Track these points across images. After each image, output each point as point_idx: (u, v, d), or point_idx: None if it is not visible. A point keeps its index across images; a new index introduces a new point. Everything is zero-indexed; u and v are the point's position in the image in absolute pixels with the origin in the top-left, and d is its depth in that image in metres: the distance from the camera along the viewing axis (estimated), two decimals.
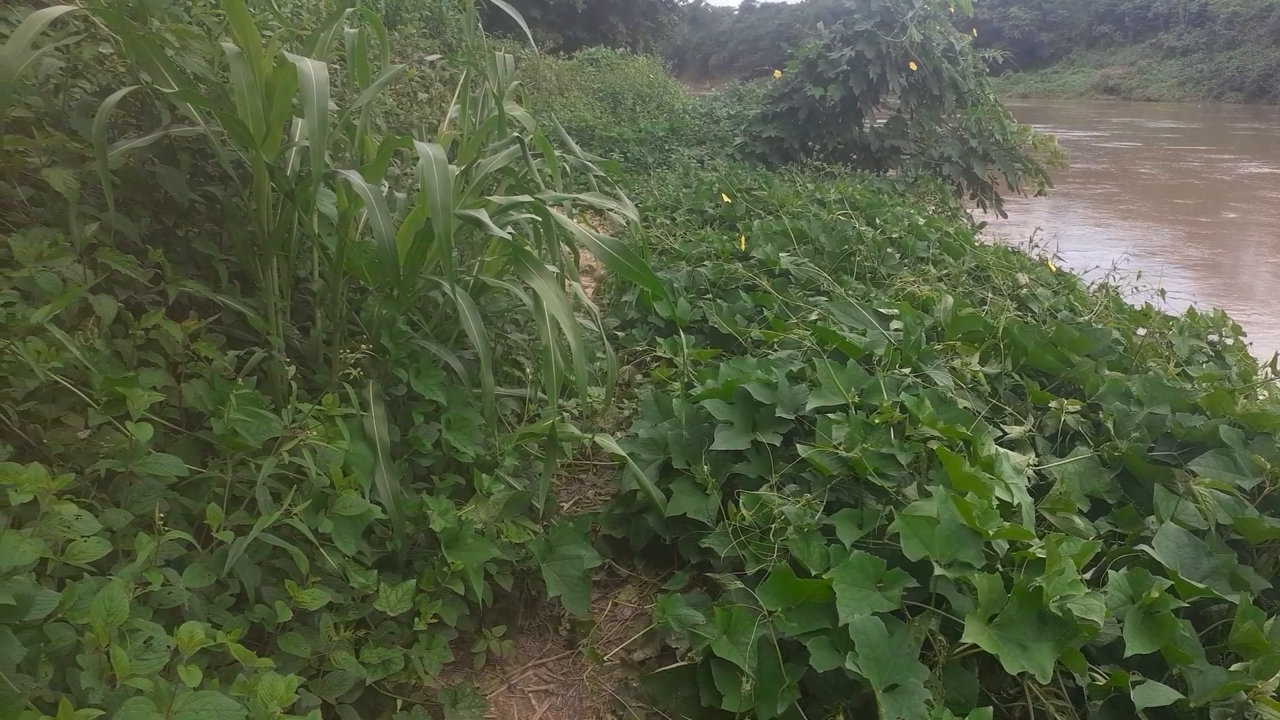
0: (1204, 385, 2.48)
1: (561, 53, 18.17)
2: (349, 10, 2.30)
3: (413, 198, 2.32)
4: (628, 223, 2.91)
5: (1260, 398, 3.01)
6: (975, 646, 1.50)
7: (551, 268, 1.99)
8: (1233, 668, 1.48)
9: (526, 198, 2.09)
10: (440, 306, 2.40)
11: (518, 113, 2.54)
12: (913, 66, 8.41)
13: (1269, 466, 1.90)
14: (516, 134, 2.33)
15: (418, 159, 1.71)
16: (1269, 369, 4.76)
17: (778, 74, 9.76)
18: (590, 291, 5.04)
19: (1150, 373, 2.46)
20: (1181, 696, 1.46)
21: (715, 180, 7.28)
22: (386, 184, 2.46)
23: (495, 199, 2.10)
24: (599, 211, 3.50)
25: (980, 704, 1.53)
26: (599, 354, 3.00)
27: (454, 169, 1.84)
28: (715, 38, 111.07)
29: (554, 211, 2.02)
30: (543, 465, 2.26)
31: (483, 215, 1.85)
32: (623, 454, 2.31)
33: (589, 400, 2.90)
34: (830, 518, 1.91)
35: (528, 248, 2.04)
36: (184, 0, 2.45)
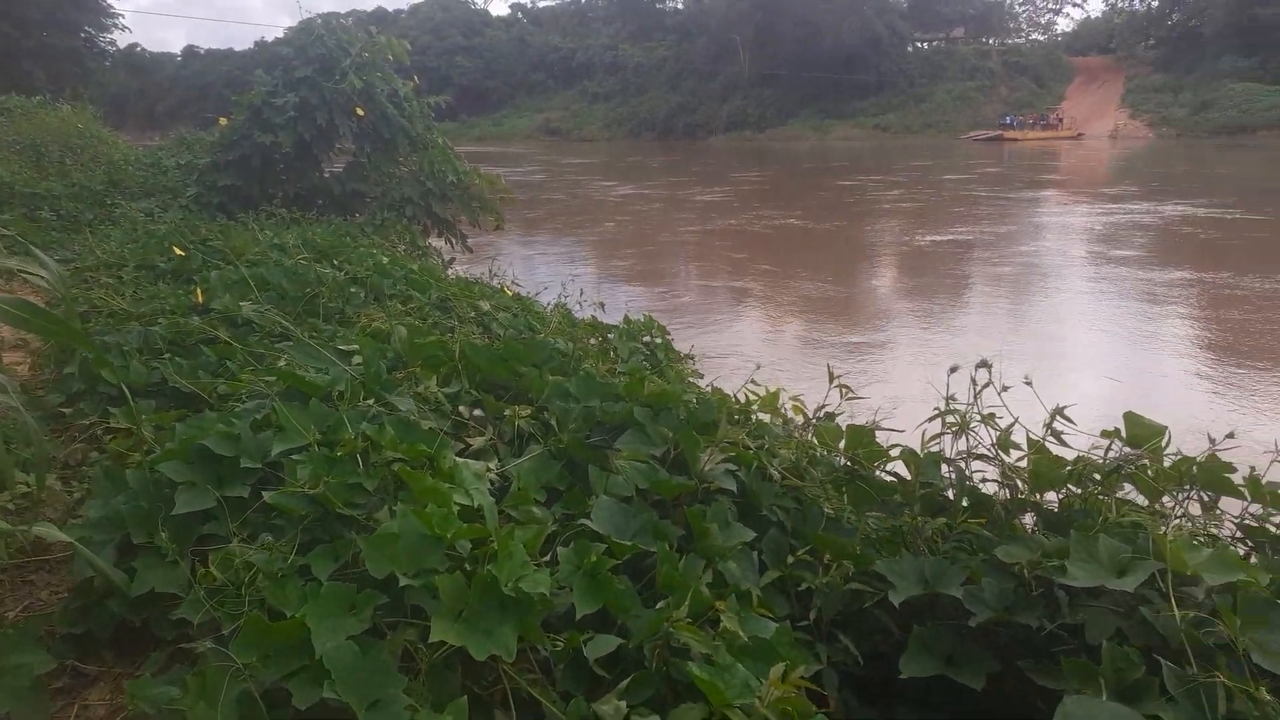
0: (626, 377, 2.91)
1: None
2: None
3: None
4: (53, 284, 2.58)
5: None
6: (451, 645, 1.60)
7: None
8: (658, 605, 1.77)
9: None
10: None
11: None
12: (359, 113, 8.58)
13: (671, 434, 2.29)
14: None
15: None
16: (689, 358, 5.66)
17: (223, 121, 9.30)
18: (25, 368, 4.37)
19: (582, 373, 2.82)
20: (623, 641, 1.71)
21: (165, 233, 6.72)
22: None
23: None
24: (11, 275, 3.06)
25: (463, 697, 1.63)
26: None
27: None
28: (158, 85, 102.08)
29: None
30: None
31: None
32: (69, 540, 2.05)
33: (26, 488, 2.53)
34: (307, 557, 1.90)
35: None
36: None
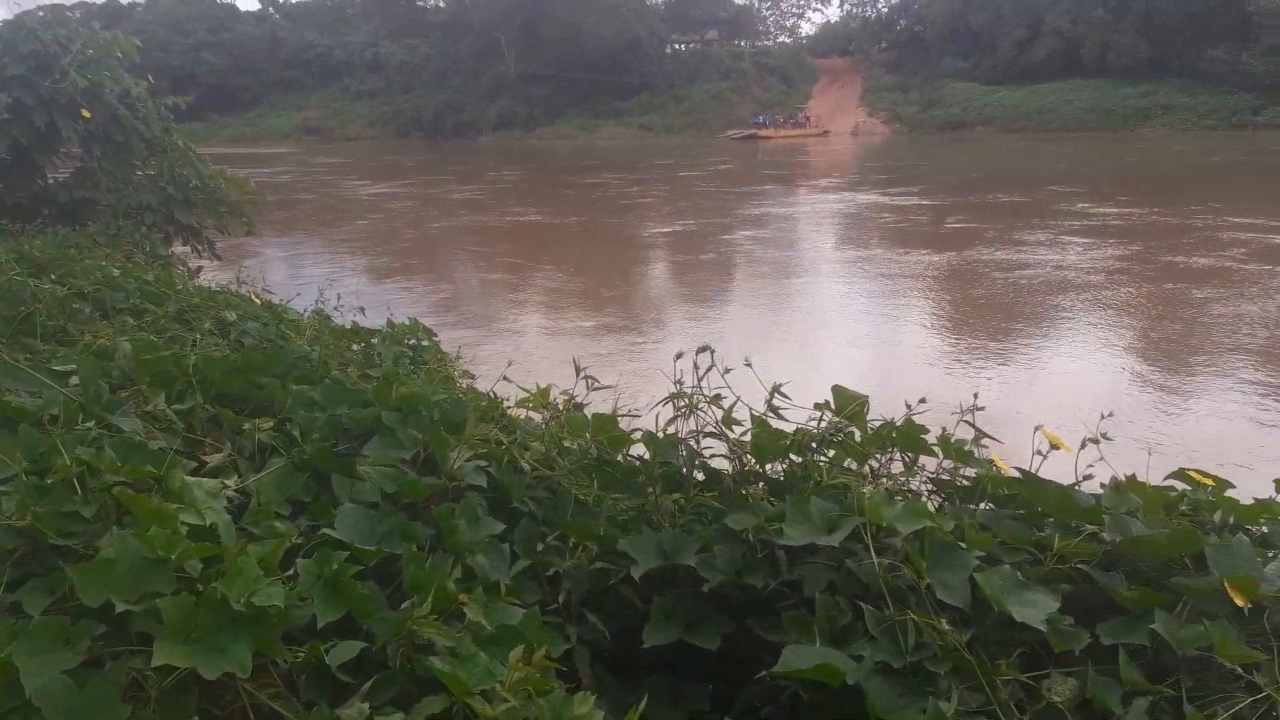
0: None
1: None
2: None
3: None
4: None
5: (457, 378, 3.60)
6: (190, 669, 1.54)
7: None
8: (403, 605, 1.78)
9: None
10: None
11: None
12: (85, 114, 7.86)
13: (421, 436, 2.30)
14: None
15: None
16: (458, 359, 5.62)
17: None
18: None
19: (329, 380, 2.75)
20: (367, 645, 1.70)
21: None
22: None
23: None
24: None
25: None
26: None
27: None
28: None
29: None
30: None
31: None
32: None
33: None
34: (18, 593, 1.75)
35: None
36: None
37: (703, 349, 2.07)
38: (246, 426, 2.44)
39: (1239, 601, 1.66)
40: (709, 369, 2.11)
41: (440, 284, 14.54)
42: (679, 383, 2.10)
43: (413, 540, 2.00)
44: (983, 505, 2.17)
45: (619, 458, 2.37)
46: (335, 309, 5.31)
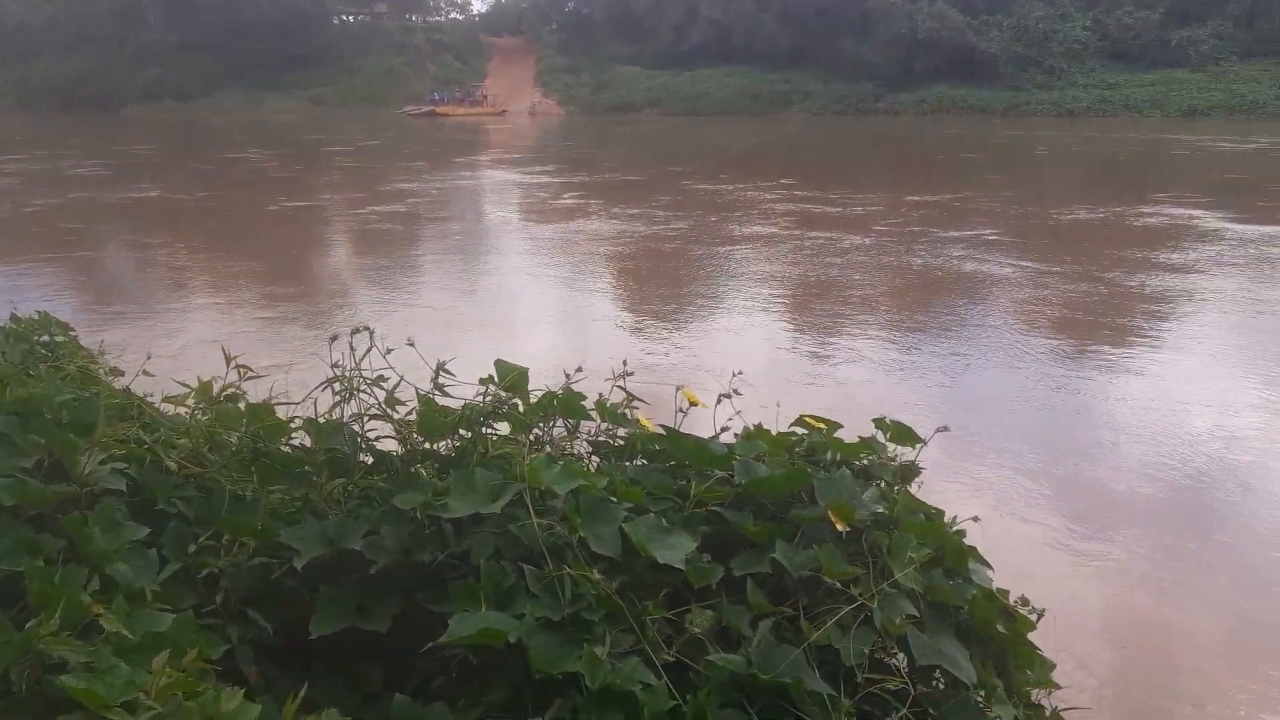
0: None
1: None
2: None
3: None
4: None
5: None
6: None
7: None
8: (28, 624, 1.61)
9: None
10: None
11: None
12: None
13: (44, 442, 2.07)
14: None
15: None
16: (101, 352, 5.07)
17: None
18: None
19: None
20: None
21: None
22: None
23: None
24: None
25: None
26: None
27: None
28: None
29: None
30: None
31: None
32: None
33: None
34: None
35: None
36: None
37: (357, 330, 2.05)
38: None
39: (840, 526, 1.95)
40: (369, 350, 2.09)
41: (56, 269, 12.95)
42: (336, 365, 2.06)
43: (38, 554, 1.82)
44: (639, 462, 2.36)
45: (282, 447, 2.29)
46: None
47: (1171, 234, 13.72)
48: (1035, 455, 6.02)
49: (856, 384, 7.58)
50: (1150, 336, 8.68)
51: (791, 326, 9.24)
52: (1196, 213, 15.74)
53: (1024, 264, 11.44)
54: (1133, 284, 10.35)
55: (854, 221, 15.00)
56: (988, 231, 13.80)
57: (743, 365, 2.65)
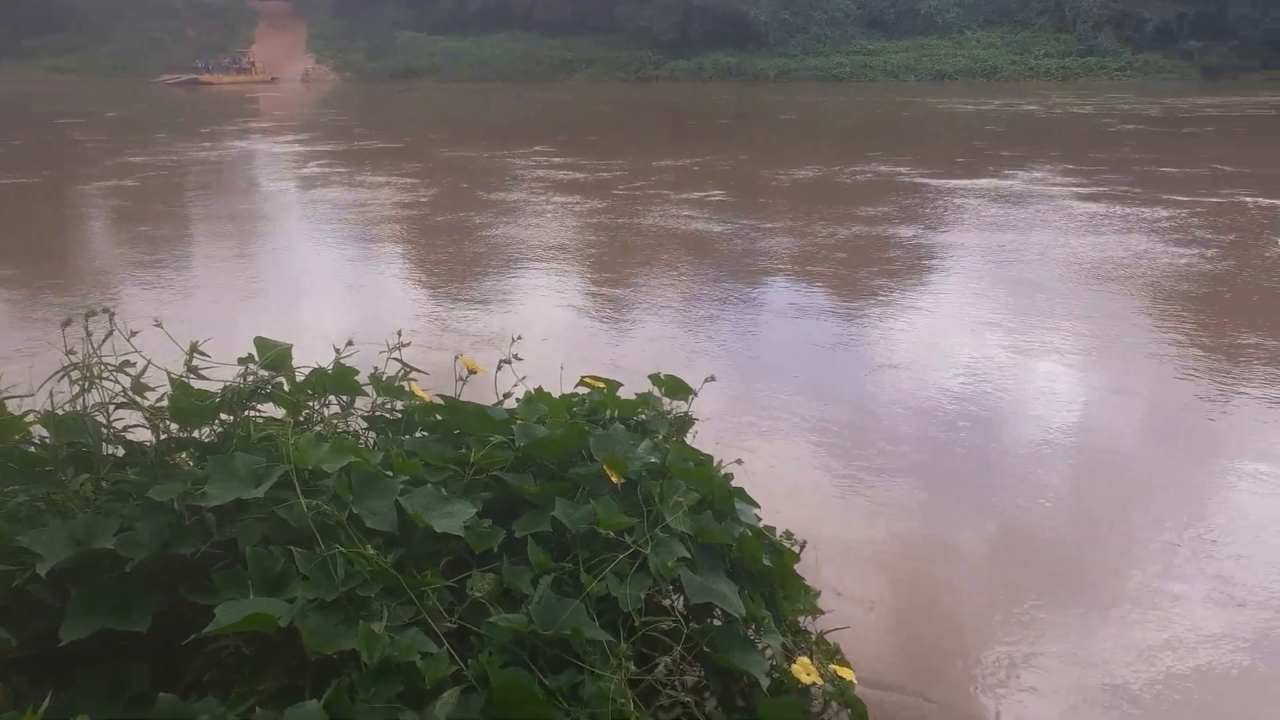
0: None
1: None
2: None
3: None
4: None
5: None
6: None
7: None
8: None
9: None
10: None
11: None
12: None
13: None
14: None
15: None
16: None
17: None
18: None
19: None
20: None
21: None
22: None
23: None
24: None
25: None
26: None
27: None
28: None
29: None
30: None
31: None
32: None
33: None
34: None
35: None
36: None
37: (93, 313, 1.90)
38: None
39: (614, 479, 2.01)
40: (109, 334, 1.95)
41: None
42: (71, 353, 1.91)
43: None
44: (419, 434, 2.33)
45: (15, 445, 2.10)
46: None
47: (875, 189, 14.90)
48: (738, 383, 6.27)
49: (576, 343, 7.62)
50: (838, 280, 9.33)
51: (530, 286, 9.17)
52: (901, 169, 17.15)
53: (740, 221, 12.26)
54: (829, 233, 11.26)
55: (597, 186, 15.27)
56: (716, 193, 14.53)
57: (483, 330, 2.66)
